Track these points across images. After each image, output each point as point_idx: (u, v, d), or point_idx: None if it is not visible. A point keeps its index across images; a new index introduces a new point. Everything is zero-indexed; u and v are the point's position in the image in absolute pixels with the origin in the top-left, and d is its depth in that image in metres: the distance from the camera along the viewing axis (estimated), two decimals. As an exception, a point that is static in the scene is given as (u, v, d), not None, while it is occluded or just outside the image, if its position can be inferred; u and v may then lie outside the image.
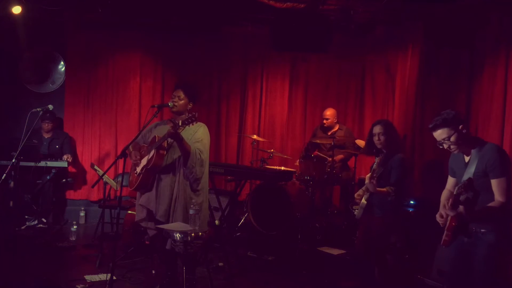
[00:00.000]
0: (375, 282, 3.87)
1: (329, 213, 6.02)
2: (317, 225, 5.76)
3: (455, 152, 3.00)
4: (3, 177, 4.17)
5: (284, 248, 5.42)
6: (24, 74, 6.75)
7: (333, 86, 7.16)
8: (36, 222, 5.99)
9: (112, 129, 6.84)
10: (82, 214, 6.54)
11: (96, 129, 6.83)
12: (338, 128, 6.36)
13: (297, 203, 5.67)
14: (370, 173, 3.63)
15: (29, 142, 5.51)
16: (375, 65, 6.95)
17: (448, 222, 2.90)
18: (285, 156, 6.59)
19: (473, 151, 2.93)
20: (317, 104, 7.14)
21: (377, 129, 3.78)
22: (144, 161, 3.72)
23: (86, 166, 6.72)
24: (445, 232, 2.93)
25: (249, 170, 5.79)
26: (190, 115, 3.50)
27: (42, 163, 5.92)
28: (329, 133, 6.34)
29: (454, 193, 2.81)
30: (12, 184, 5.14)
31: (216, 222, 5.24)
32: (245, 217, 6.01)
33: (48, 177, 6.00)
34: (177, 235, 3.27)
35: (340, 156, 6.11)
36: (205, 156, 3.73)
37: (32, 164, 5.81)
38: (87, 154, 6.80)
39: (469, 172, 2.88)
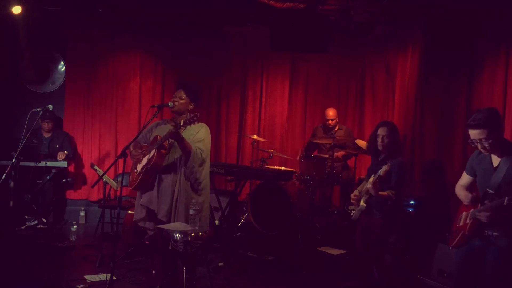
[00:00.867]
0: (375, 282, 3.87)
1: (329, 213, 6.02)
2: (317, 225, 5.76)
3: (487, 153, 2.88)
4: (3, 177, 4.16)
5: (284, 248, 5.42)
6: (24, 74, 6.75)
7: (333, 86, 7.16)
8: (36, 222, 5.99)
9: (112, 129, 6.85)
10: (82, 214, 6.54)
11: (96, 129, 6.83)
12: (338, 128, 6.36)
13: (297, 203, 5.67)
14: (372, 177, 3.62)
15: (29, 142, 5.51)
16: (375, 65, 6.95)
17: (469, 225, 2.84)
18: (285, 156, 6.59)
19: (505, 156, 2.81)
20: (317, 104, 7.15)
21: (382, 131, 3.76)
22: (144, 161, 3.72)
23: (86, 166, 6.72)
24: (461, 233, 2.88)
25: (249, 170, 5.80)
26: (192, 115, 3.50)
27: (42, 163, 5.92)
28: (329, 133, 6.34)
29: (505, 203, 2.66)
30: (12, 184, 5.13)
31: (216, 222, 5.24)
32: (245, 217, 6.01)
33: (48, 177, 6.00)
34: (177, 235, 3.27)
35: (341, 152, 6.12)
36: (206, 155, 3.74)
37: (32, 164, 5.81)
38: (87, 154, 6.81)
39: (498, 177, 2.79)
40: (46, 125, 6.34)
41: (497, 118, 2.80)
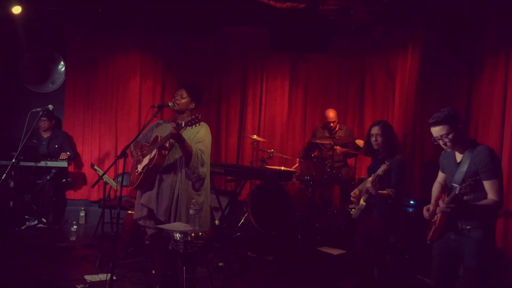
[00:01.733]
0: (375, 282, 3.87)
1: (329, 213, 6.02)
2: (317, 225, 5.76)
3: (449, 149, 3.06)
4: (3, 177, 4.16)
5: (284, 248, 5.42)
6: (24, 74, 6.76)
7: (333, 86, 7.16)
8: (36, 222, 5.99)
9: (112, 129, 6.85)
10: (82, 214, 6.54)
11: (96, 129, 6.83)
12: (338, 128, 6.37)
13: (297, 203, 5.67)
14: (372, 176, 3.63)
15: (29, 142, 5.51)
16: (375, 65, 6.95)
17: (438, 219, 2.99)
18: (285, 156, 6.59)
19: (466, 151, 2.98)
20: (317, 104, 7.15)
21: (374, 130, 3.80)
22: (145, 160, 3.72)
23: (86, 166, 6.72)
24: (433, 228, 3.04)
25: (249, 170, 5.80)
26: (194, 116, 3.50)
27: (42, 163, 5.92)
28: (330, 134, 6.34)
29: (456, 192, 2.83)
30: (12, 184, 5.13)
31: (216, 222, 5.24)
32: (245, 217, 6.02)
33: (48, 177, 6.00)
34: (177, 235, 3.27)
35: (343, 149, 6.12)
36: (206, 156, 3.75)
37: (32, 164, 5.81)
38: (87, 154, 6.81)
39: (461, 172, 2.95)
40: (42, 124, 6.32)
41: (455, 115, 2.96)
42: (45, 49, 6.81)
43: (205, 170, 3.75)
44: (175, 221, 3.62)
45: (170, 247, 3.50)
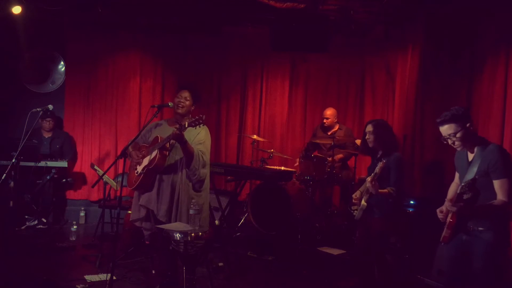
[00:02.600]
0: (375, 282, 3.87)
1: (329, 213, 6.02)
2: (317, 225, 5.76)
3: (459, 149, 3.01)
4: (3, 177, 4.16)
5: (284, 248, 5.42)
6: (24, 74, 6.75)
7: (333, 86, 7.16)
8: (36, 222, 5.99)
9: (112, 129, 6.85)
10: (82, 214, 6.54)
11: (96, 129, 6.83)
12: (338, 128, 6.37)
13: (297, 203, 5.67)
14: (371, 175, 3.63)
15: (29, 142, 5.51)
16: (375, 65, 6.95)
17: (448, 219, 2.92)
18: (285, 156, 6.59)
19: (476, 150, 2.94)
20: (317, 104, 7.14)
21: (368, 128, 3.84)
22: (145, 161, 3.72)
23: (86, 166, 6.72)
24: (445, 228, 2.95)
25: (249, 170, 5.80)
26: (197, 117, 3.49)
27: (42, 163, 5.92)
28: (329, 133, 6.34)
29: (458, 191, 2.81)
30: (12, 184, 5.13)
31: (216, 222, 5.24)
32: (245, 217, 6.01)
33: (48, 177, 6.00)
34: (178, 235, 3.27)
35: (339, 156, 6.11)
36: (207, 157, 3.76)
37: (32, 164, 5.82)
38: (87, 154, 6.80)
39: (472, 171, 2.90)
40: (47, 124, 6.35)
41: (464, 114, 2.92)
42: (45, 49, 6.81)
43: (205, 171, 3.75)
44: (176, 221, 3.62)
45: (170, 247, 3.50)
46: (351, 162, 6.36)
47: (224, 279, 4.41)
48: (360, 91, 7.10)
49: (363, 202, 3.76)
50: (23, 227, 5.90)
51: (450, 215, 2.92)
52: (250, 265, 4.89)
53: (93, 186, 4.14)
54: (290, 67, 7.13)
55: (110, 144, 6.83)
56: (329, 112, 6.29)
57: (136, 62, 6.85)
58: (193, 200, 3.57)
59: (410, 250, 4.85)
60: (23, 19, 6.01)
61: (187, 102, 3.78)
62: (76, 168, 6.78)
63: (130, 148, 3.82)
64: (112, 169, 6.62)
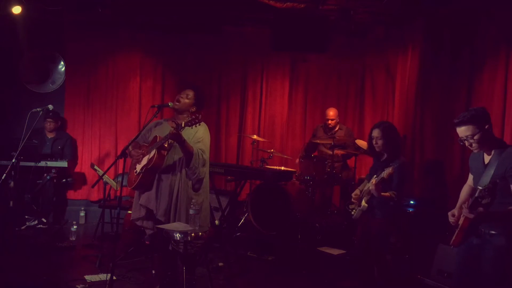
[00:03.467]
0: (375, 282, 3.87)
1: (329, 213, 6.02)
2: (317, 225, 5.75)
3: (475, 150, 2.93)
4: (3, 177, 4.16)
5: (284, 248, 5.42)
6: (24, 74, 6.76)
7: (333, 86, 7.16)
8: (36, 222, 5.99)
9: (112, 129, 6.85)
10: (82, 214, 6.54)
11: (96, 129, 6.83)
12: (338, 128, 6.36)
13: (297, 203, 5.66)
14: (375, 179, 3.62)
15: (29, 142, 5.51)
16: (375, 65, 6.95)
17: (461, 223, 2.83)
18: (285, 156, 6.59)
19: (494, 153, 2.85)
20: (317, 104, 7.15)
21: (375, 133, 3.78)
22: (144, 161, 3.72)
23: (86, 166, 6.72)
24: (457, 232, 2.86)
25: (249, 170, 5.79)
26: (193, 116, 3.48)
27: (42, 163, 5.92)
28: (329, 133, 6.34)
29: (476, 195, 2.72)
30: (12, 184, 5.14)
31: (216, 222, 5.24)
32: (245, 217, 6.01)
33: (48, 177, 5.99)
34: (177, 235, 3.27)
35: (341, 151, 6.12)
36: (207, 156, 3.74)
37: (32, 164, 5.82)
38: (87, 154, 6.81)
39: (488, 174, 2.81)
40: (48, 125, 6.36)
41: (483, 115, 2.83)
42: (45, 49, 6.81)
43: (205, 170, 3.74)
44: (174, 221, 3.62)
45: (170, 247, 3.50)
46: (351, 162, 6.36)
47: (224, 279, 4.41)
48: (360, 91, 7.10)
49: (363, 203, 3.75)
50: (23, 227, 5.89)
51: (462, 219, 2.82)
52: (250, 265, 4.89)
53: (93, 186, 4.14)
54: (290, 67, 7.13)
55: (110, 144, 6.84)
56: (332, 112, 6.28)
57: (136, 62, 6.86)
58: (193, 200, 3.57)
59: (410, 250, 4.85)
60: (23, 19, 6.01)
61: (187, 100, 3.76)
62: (76, 168, 6.78)
63: (130, 148, 3.82)
64: (112, 169, 6.62)
